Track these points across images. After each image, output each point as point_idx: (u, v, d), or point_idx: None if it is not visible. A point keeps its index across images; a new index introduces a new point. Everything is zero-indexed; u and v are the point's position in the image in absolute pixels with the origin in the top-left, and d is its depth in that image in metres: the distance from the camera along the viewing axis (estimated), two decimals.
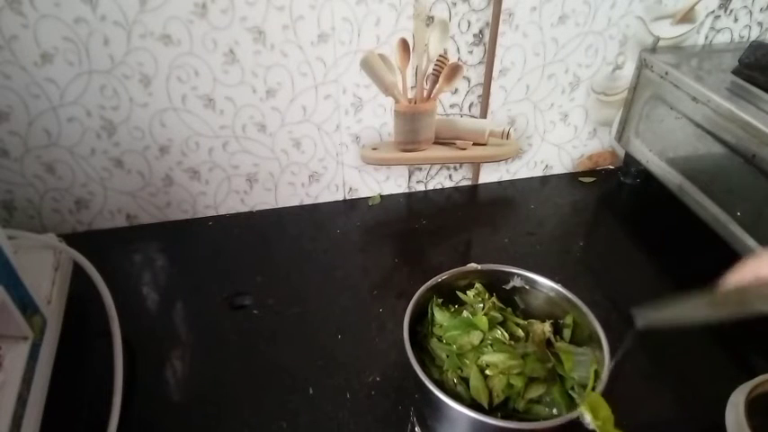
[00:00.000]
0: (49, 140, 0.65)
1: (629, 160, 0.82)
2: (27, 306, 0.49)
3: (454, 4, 0.66)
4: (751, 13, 0.74)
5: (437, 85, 0.71)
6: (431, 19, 0.66)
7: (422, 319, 0.49)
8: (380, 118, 0.73)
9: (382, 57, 0.67)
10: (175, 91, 0.65)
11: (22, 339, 0.49)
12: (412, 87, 0.71)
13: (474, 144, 0.76)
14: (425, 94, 0.71)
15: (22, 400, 0.46)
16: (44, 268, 0.58)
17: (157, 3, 0.58)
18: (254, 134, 0.70)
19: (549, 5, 0.68)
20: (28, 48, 0.58)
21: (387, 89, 0.70)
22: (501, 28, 0.68)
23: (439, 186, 0.83)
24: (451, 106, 0.74)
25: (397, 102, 0.71)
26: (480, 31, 0.69)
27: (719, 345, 0.59)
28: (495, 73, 0.72)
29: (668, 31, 0.73)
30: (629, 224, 0.77)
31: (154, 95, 0.64)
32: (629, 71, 0.76)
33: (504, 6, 0.66)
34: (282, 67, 0.66)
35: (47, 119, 0.63)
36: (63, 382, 0.53)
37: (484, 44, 0.70)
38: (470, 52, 0.70)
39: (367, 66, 0.68)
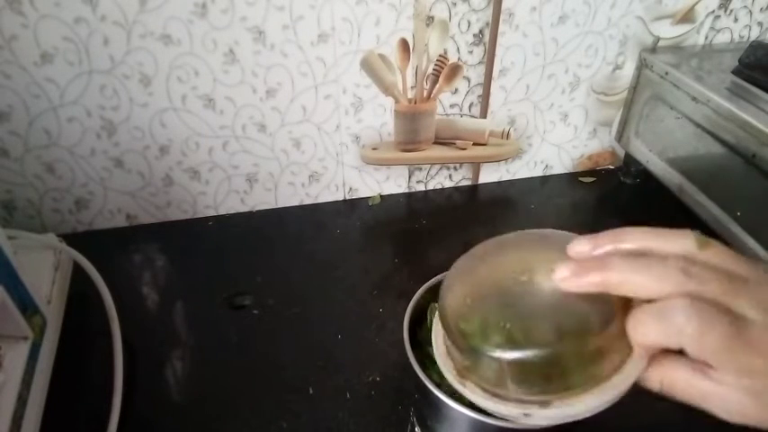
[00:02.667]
0: (49, 140, 0.65)
1: (629, 160, 0.82)
2: (27, 306, 0.49)
3: (454, 4, 0.65)
4: (751, 13, 0.74)
5: (437, 85, 0.71)
6: (431, 19, 0.66)
7: (422, 320, 0.49)
8: (380, 118, 0.73)
9: (382, 57, 0.67)
10: (175, 91, 0.65)
11: (22, 339, 0.49)
12: (412, 87, 0.71)
13: (474, 144, 0.76)
14: (425, 94, 0.71)
15: (22, 400, 0.46)
16: (44, 268, 0.58)
17: (157, 3, 0.58)
18: (254, 134, 0.70)
19: (549, 5, 0.68)
20: (28, 48, 0.58)
21: (387, 89, 0.70)
22: (501, 28, 0.68)
23: (439, 186, 0.83)
24: (451, 106, 0.74)
25: (397, 102, 0.71)
26: (480, 31, 0.69)
27: None
28: (495, 73, 0.72)
29: (668, 31, 0.73)
30: (629, 224, 0.76)
31: (154, 95, 0.64)
32: (629, 71, 0.76)
33: (504, 6, 0.66)
34: (282, 67, 0.66)
35: (47, 119, 0.63)
36: (63, 382, 0.53)
37: (484, 44, 0.70)
38: (470, 52, 0.70)
39: (367, 66, 0.68)
